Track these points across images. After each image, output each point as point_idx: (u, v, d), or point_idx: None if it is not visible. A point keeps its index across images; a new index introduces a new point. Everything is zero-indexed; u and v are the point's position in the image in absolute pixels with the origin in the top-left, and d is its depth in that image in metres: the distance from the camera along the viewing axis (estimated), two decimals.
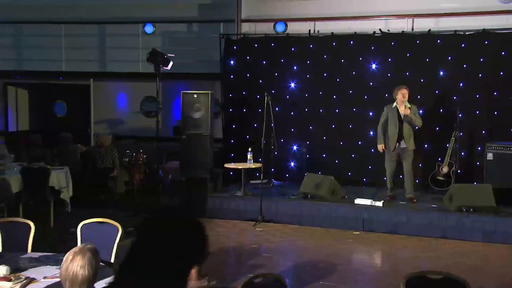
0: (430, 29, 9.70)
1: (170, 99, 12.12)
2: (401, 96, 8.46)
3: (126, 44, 12.62)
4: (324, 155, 10.29)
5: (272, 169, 10.00)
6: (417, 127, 8.67)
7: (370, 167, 9.82)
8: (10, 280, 3.86)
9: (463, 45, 9.48)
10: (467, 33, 9.47)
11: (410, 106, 8.52)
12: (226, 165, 9.70)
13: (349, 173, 10.05)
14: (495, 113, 9.39)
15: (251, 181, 9.71)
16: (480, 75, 9.43)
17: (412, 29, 10.07)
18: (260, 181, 9.02)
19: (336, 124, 10.19)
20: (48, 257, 4.48)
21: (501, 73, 9.33)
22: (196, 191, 9.36)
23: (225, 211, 8.98)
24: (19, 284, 3.83)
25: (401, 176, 8.92)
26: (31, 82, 13.64)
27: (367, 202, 8.51)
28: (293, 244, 7.81)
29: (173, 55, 10.13)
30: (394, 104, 8.60)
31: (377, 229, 8.22)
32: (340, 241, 7.84)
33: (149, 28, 12.34)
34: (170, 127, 12.02)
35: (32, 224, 4.95)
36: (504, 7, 8.07)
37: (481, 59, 9.40)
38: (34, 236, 4.90)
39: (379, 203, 8.47)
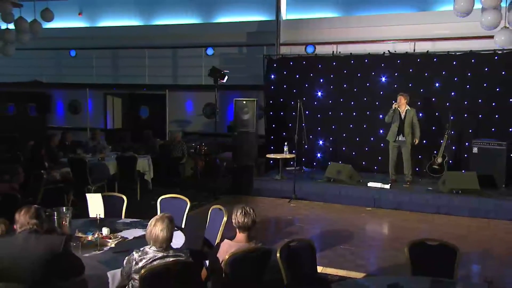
0: (428, 50, 9.49)
1: (225, 105, 12.19)
2: (398, 101, 8.43)
3: (192, 63, 12.73)
4: (344, 148, 10.17)
5: (303, 159, 9.96)
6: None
7: (380, 158, 9.65)
8: (110, 239, 3.98)
9: (454, 63, 9.24)
10: (457, 53, 9.24)
11: (409, 108, 8.45)
12: (267, 155, 9.72)
13: (364, 162, 9.90)
14: (480, 116, 9.13)
15: (287, 168, 9.68)
16: (467, 86, 9.18)
17: (414, 50, 9.88)
18: (293, 168, 8.98)
19: (353, 124, 10.05)
20: (137, 222, 4.58)
21: (485, 84, 9.05)
22: (244, 175, 9.41)
23: (267, 191, 8.98)
24: (116, 241, 3.96)
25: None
26: (124, 92, 13.92)
27: (378, 185, 8.38)
28: (319, 216, 7.76)
29: (228, 71, 10.18)
30: (397, 106, 8.50)
31: (385, 206, 8.09)
32: (356, 215, 7.76)
33: (210, 51, 12.51)
34: (225, 126, 12.09)
35: (124, 198, 5.06)
36: (487, 33, 7.76)
37: (469, 74, 9.15)
38: (126, 206, 5.01)
39: (387, 186, 8.35)
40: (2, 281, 2.88)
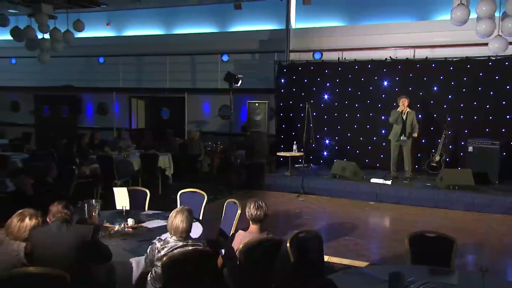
0: (427, 57, 9.39)
1: (239, 107, 12.19)
2: (401, 104, 8.41)
3: (209, 68, 12.71)
4: (348, 147, 10.10)
5: (311, 157, 9.92)
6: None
7: (382, 156, 9.55)
8: (134, 228, 4.01)
9: (451, 68, 9.14)
10: (454, 59, 9.13)
11: (409, 110, 8.41)
12: (278, 153, 9.69)
13: (367, 160, 9.82)
14: (475, 117, 9.01)
15: (296, 165, 9.65)
16: (463, 90, 9.08)
17: (414, 57, 9.77)
18: (302, 165, 8.98)
19: (357, 125, 9.98)
20: (159, 214, 4.61)
21: (479, 88, 8.94)
22: (256, 171, 9.40)
23: (277, 186, 8.96)
24: (140, 231, 3.98)
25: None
26: (147, 95, 13.98)
27: (380, 181, 8.32)
28: (325, 210, 7.73)
29: (241, 75, 10.18)
30: (398, 108, 8.43)
31: (386, 201, 8.02)
32: (360, 209, 7.71)
33: (225, 57, 12.47)
34: (239, 126, 12.09)
35: (147, 191, 5.09)
36: (482, 41, 7.64)
37: (465, 78, 9.04)
38: (149, 199, 5.04)
39: (389, 182, 8.28)
40: (40, 266, 2.93)
